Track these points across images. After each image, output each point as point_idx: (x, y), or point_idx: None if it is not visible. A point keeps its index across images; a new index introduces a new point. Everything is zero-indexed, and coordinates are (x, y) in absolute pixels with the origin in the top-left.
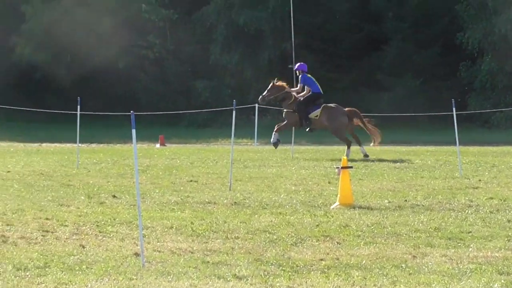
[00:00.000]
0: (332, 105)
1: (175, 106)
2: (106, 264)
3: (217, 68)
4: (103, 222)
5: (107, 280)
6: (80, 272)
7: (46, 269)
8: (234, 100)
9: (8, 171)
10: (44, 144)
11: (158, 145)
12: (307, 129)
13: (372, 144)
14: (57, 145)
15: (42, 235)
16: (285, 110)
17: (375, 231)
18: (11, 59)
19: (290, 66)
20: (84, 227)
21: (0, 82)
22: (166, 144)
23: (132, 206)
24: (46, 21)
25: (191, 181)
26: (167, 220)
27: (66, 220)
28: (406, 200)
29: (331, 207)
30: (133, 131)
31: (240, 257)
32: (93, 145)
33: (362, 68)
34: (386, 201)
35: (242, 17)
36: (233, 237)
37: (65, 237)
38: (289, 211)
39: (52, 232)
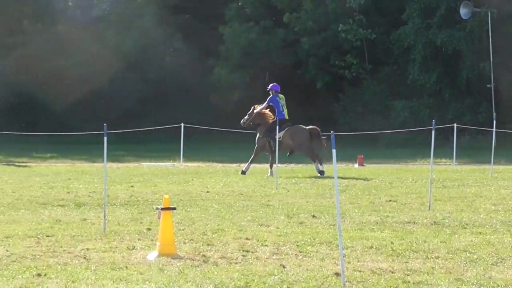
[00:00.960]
0: (295, 126)
1: (373, 126)
2: (307, 284)
3: (415, 87)
4: (303, 242)
5: None
6: None
7: None
8: (434, 120)
9: (208, 192)
10: (242, 165)
11: (356, 165)
12: (287, 154)
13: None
14: (255, 165)
15: (242, 255)
16: (258, 136)
17: None
18: (210, 79)
19: (488, 85)
20: (284, 247)
21: (199, 103)
22: (364, 164)
23: (331, 226)
24: (243, 42)
25: (390, 201)
26: (367, 239)
27: (266, 240)
28: None
29: None
30: (333, 151)
31: (440, 277)
32: (292, 165)
33: None
34: None
35: (440, 37)
36: (433, 256)
37: (265, 257)
38: (489, 231)
39: (253, 252)
